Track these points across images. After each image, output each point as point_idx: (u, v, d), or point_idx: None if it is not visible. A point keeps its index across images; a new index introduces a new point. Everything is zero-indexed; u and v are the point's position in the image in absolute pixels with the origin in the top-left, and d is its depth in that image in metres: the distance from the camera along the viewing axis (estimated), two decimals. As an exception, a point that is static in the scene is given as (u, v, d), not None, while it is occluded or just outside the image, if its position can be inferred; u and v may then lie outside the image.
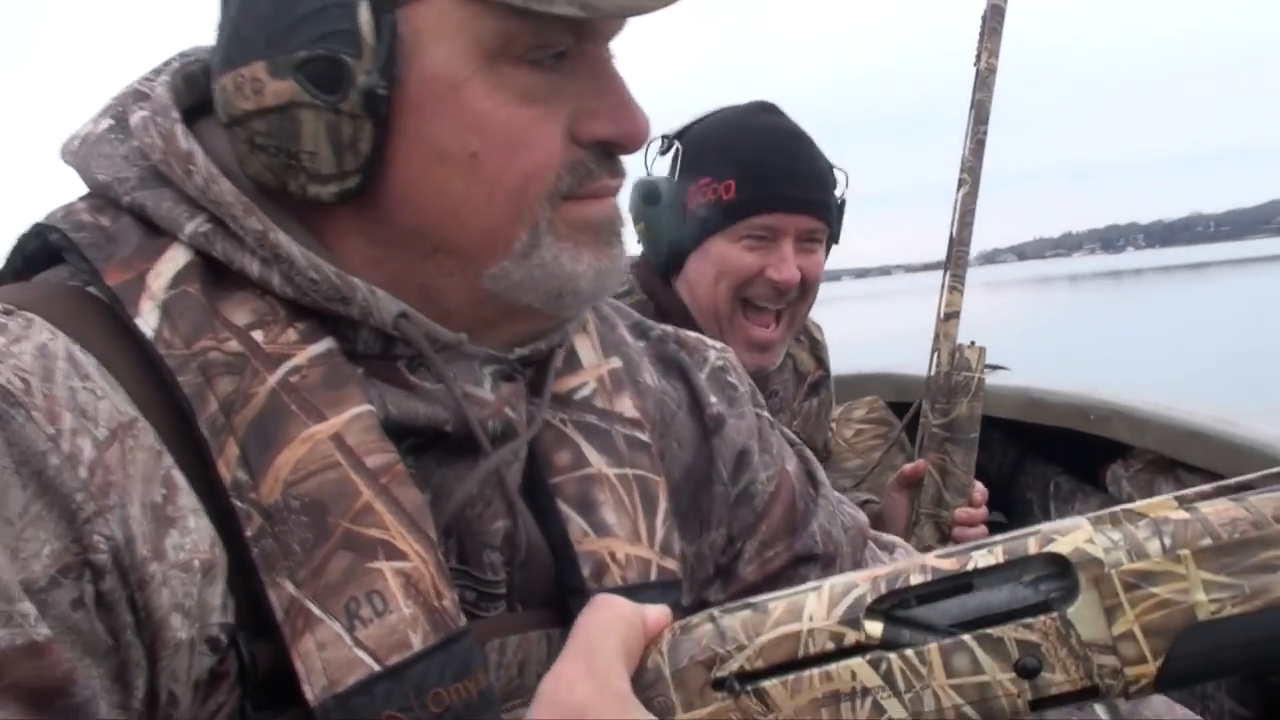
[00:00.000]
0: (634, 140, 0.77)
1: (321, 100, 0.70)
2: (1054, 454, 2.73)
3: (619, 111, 0.76)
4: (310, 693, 0.66)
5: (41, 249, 0.76)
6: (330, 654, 0.66)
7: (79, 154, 0.76)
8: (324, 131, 0.71)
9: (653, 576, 0.83)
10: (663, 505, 0.86)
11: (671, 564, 0.85)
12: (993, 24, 1.91)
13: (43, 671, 0.59)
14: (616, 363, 0.89)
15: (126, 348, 0.69)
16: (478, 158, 0.73)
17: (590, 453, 0.83)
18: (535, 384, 0.83)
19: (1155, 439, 2.24)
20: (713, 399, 0.95)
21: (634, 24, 0.76)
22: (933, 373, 1.86)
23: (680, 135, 1.82)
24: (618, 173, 0.78)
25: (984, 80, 1.89)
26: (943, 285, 1.88)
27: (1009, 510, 2.87)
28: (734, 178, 1.74)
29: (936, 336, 1.87)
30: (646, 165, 1.87)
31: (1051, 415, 2.62)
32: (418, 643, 0.68)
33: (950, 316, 1.86)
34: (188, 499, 0.67)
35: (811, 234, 1.79)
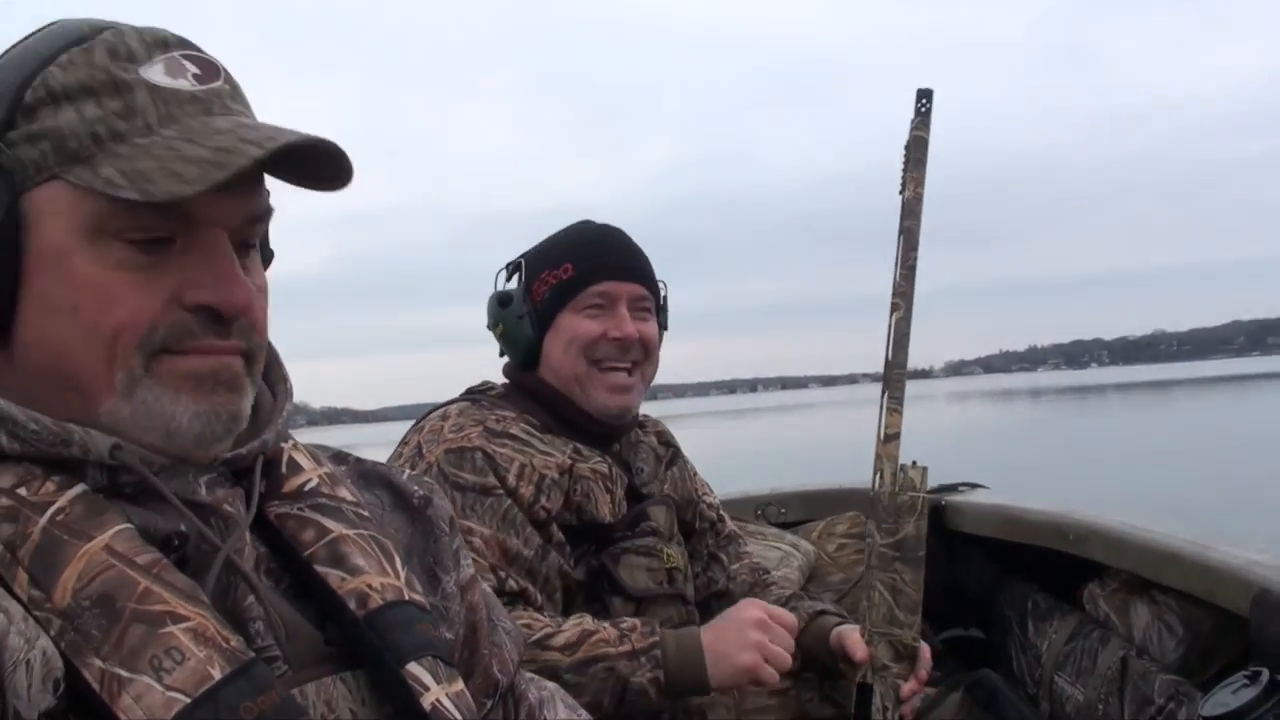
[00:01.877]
0: (230, 306, 0.92)
1: None
2: (1032, 572, 2.78)
3: (219, 284, 0.91)
4: None
5: None
6: (147, 701, 0.80)
7: None
8: None
9: (406, 598, 1.00)
10: (397, 556, 1.04)
11: (419, 597, 1.03)
12: (917, 155, 2.04)
13: None
14: (328, 469, 1.08)
15: None
16: (78, 310, 0.89)
17: (329, 523, 1.02)
18: (272, 488, 1.02)
19: (1133, 560, 2.28)
20: (415, 488, 1.17)
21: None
22: (876, 491, 1.93)
23: (523, 257, 2.13)
24: (225, 335, 0.93)
25: (910, 208, 2.02)
26: (881, 408, 1.96)
27: (988, 626, 2.91)
28: (570, 261, 2.06)
29: (878, 458, 1.93)
30: (496, 288, 2.14)
31: (1030, 534, 2.67)
32: (218, 674, 0.82)
33: (890, 439, 1.93)
34: None
35: (641, 301, 2.08)
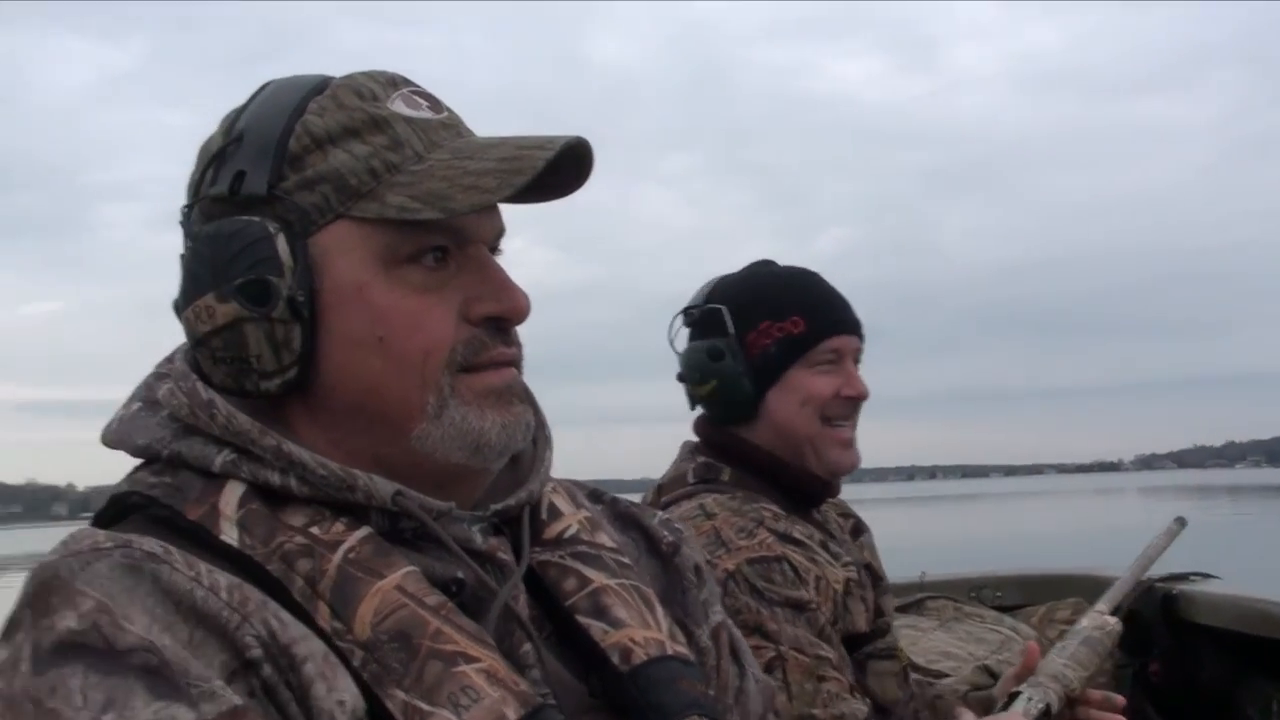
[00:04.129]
0: (516, 313, 0.96)
1: (257, 313, 0.91)
2: (1276, 669, 2.62)
3: (501, 293, 0.95)
4: None
5: (109, 510, 0.94)
6: None
7: (118, 432, 0.97)
8: (263, 337, 0.91)
9: (668, 652, 0.99)
10: (658, 606, 1.04)
11: (681, 648, 1.02)
12: None
13: None
14: (586, 513, 1.09)
15: (216, 555, 0.87)
16: (385, 341, 0.92)
17: (590, 572, 1.02)
18: (533, 534, 1.02)
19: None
20: (665, 534, 1.16)
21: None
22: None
23: (705, 304, 1.97)
24: (511, 342, 0.97)
25: None
26: None
27: (1224, 725, 2.74)
28: (798, 314, 1.91)
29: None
30: (670, 338, 2.02)
31: (1274, 627, 2.52)
32: (512, 715, 0.84)
33: None
34: (298, 630, 0.84)
35: (859, 353, 1.97)
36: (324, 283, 0.92)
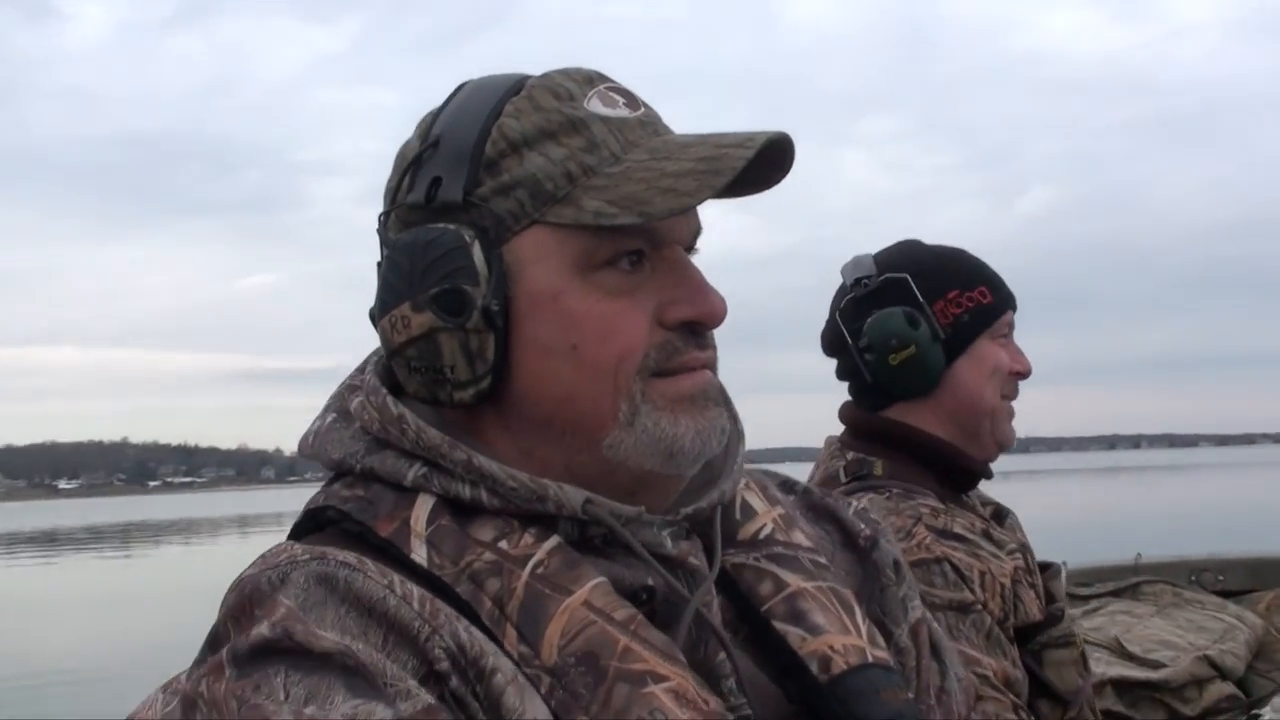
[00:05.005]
0: (712, 318, 0.93)
1: (452, 323, 0.90)
2: None
3: (696, 296, 0.93)
4: None
5: (305, 523, 0.97)
6: None
7: (314, 445, 0.98)
8: (458, 348, 0.91)
9: (869, 660, 0.95)
10: (857, 609, 1.00)
11: (882, 653, 0.98)
12: None
13: None
14: (781, 510, 1.05)
15: (406, 572, 0.87)
16: (578, 349, 0.90)
17: (786, 575, 0.99)
18: (726, 535, 1.00)
19: None
20: (862, 526, 1.11)
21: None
22: None
23: (881, 274, 1.91)
24: (705, 346, 0.94)
25: None
26: None
27: None
28: (984, 284, 1.90)
29: None
30: (837, 312, 1.95)
31: None
32: None
33: None
34: (489, 645, 0.84)
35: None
36: (518, 290, 0.91)
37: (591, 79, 0.95)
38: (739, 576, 0.99)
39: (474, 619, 0.86)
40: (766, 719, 0.91)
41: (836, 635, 0.96)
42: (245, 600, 0.85)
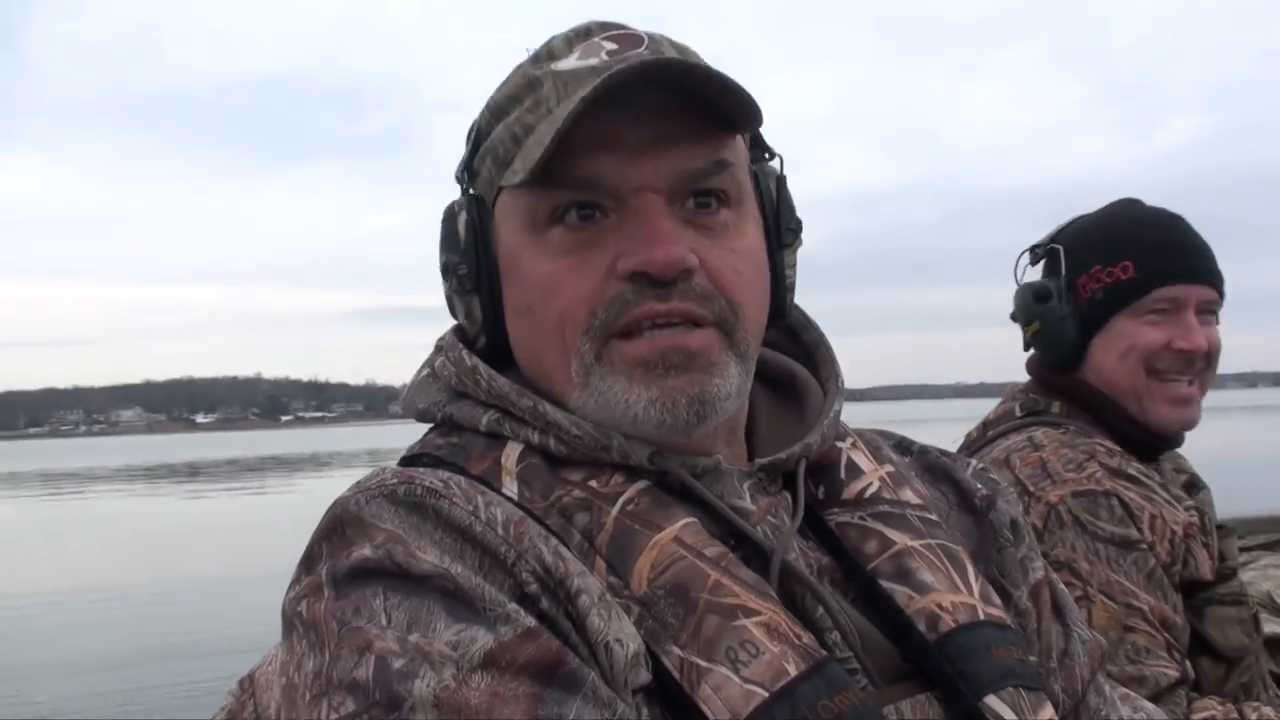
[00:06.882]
0: (654, 265, 0.87)
1: (447, 287, 0.99)
2: None
3: (642, 245, 0.88)
4: None
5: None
6: (726, 692, 0.79)
7: (406, 399, 1.03)
8: (462, 309, 0.99)
9: (981, 618, 0.92)
10: (969, 566, 0.96)
11: (996, 611, 0.94)
12: None
13: (541, 649, 0.77)
14: (890, 468, 1.03)
15: (494, 495, 0.88)
16: (532, 309, 0.92)
17: (893, 533, 0.96)
18: (831, 494, 0.99)
19: None
20: (978, 486, 1.08)
21: None
22: None
23: (1051, 242, 1.90)
24: (665, 298, 0.88)
25: None
26: None
27: None
28: (1130, 259, 1.81)
29: None
30: (1016, 277, 1.94)
31: None
32: (793, 670, 0.80)
33: None
34: (576, 565, 0.84)
35: (1209, 305, 1.82)
36: (500, 255, 0.95)
37: (590, 30, 0.95)
38: (845, 535, 0.96)
39: (562, 546, 0.86)
40: (883, 676, 0.88)
41: (946, 593, 0.93)
42: (338, 521, 0.85)
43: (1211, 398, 1.87)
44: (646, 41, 0.94)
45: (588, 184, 0.89)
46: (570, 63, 0.93)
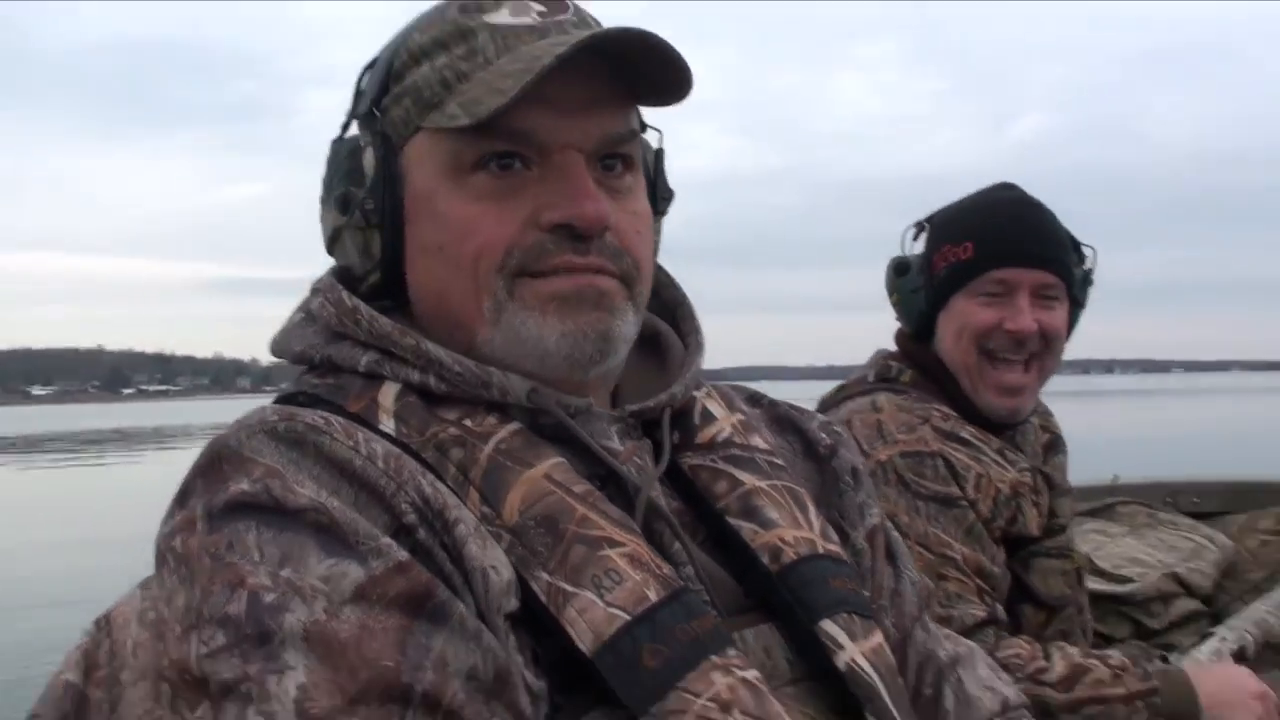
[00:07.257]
0: (583, 219, 0.93)
1: (344, 221, 0.99)
2: None
3: (570, 201, 0.93)
4: (584, 647, 0.83)
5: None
6: (590, 615, 0.84)
7: (279, 342, 1.03)
8: (352, 244, 1.00)
9: (820, 551, 0.99)
10: (811, 506, 1.03)
11: (834, 547, 1.02)
12: None
13: (411, 582, 0.80)
14: (741, 416, 1.09)
15: (372, 431, 0.91)
16: (444, 248, 0.95)
17: (742, 474, 1.02)
18: (685, 439, 1.04)
19: None
20: (823, 436, 1.15)
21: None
22: None
23: (930, 218, 1.98)
24: (585, 253, 0.94)
25: None
26: None
27: None
28: (971, 240, 1.88)
29: None
30: (903, 249, 2.01)
31: None
32: (654, 597, 0.86)
33: None
34: (451, 497, 0.87)
35: (1046, 289, 1.88)
36: (407, 193, 0.97)
37: None
38: (696, 477, 1.01)
39: (438, 480, 0.89)
40: (726, 610, 0.93)
41: (788, 529, 0.99)
42: (216, 457, 0.87)
43: (1049, 382, 1.94)
44: (571, 9, 0.99)
45: (521, 136, 0.93)
46: (503, 18, 0.96)
